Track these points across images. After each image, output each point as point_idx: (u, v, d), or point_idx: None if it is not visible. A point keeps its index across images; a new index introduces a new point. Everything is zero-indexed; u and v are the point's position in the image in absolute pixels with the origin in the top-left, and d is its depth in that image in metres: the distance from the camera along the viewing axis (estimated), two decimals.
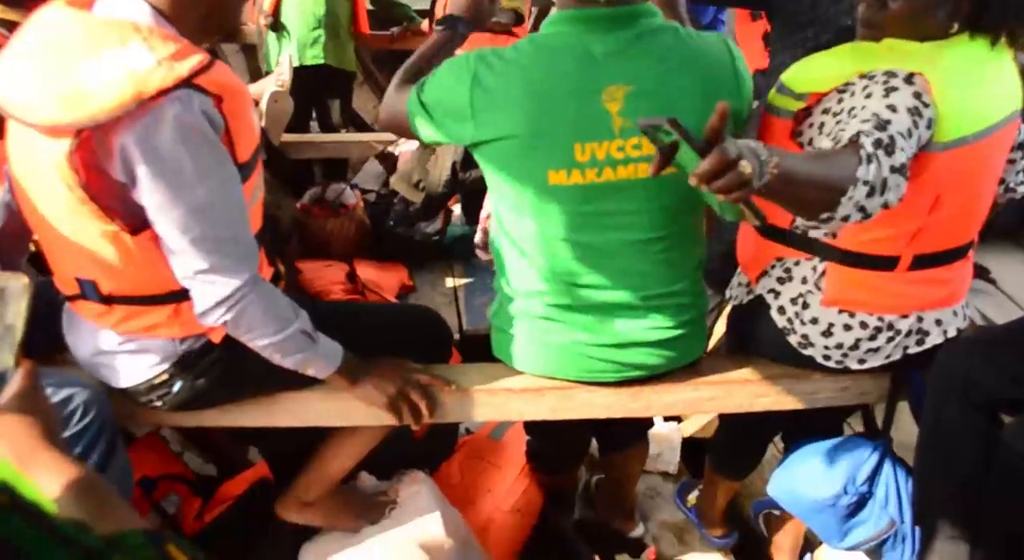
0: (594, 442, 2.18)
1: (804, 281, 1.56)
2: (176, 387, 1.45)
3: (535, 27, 3.23)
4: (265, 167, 1.51)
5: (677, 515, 2.30)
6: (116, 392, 1.47)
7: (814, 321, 1.56)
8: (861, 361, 1.58)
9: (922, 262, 1.50)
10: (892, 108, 1.28)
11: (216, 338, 1.43)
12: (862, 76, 1.39)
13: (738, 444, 2.01)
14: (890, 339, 1.55)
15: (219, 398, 1.54)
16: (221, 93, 1.26)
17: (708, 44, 1.43)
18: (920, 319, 1.55)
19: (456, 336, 2.74)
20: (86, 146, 1.22)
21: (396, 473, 1.88)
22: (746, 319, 1.70)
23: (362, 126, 4.33)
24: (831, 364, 1.60)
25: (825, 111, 1.45)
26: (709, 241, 1.67)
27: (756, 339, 1.69)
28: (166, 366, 1.43)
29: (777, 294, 1.61)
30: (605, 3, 1.37)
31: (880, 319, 1.53)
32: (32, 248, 1.55)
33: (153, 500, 1.91)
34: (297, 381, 1.49)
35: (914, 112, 1.29)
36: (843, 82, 1.42)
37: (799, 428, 1.80)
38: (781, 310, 1.60)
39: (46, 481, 0.75)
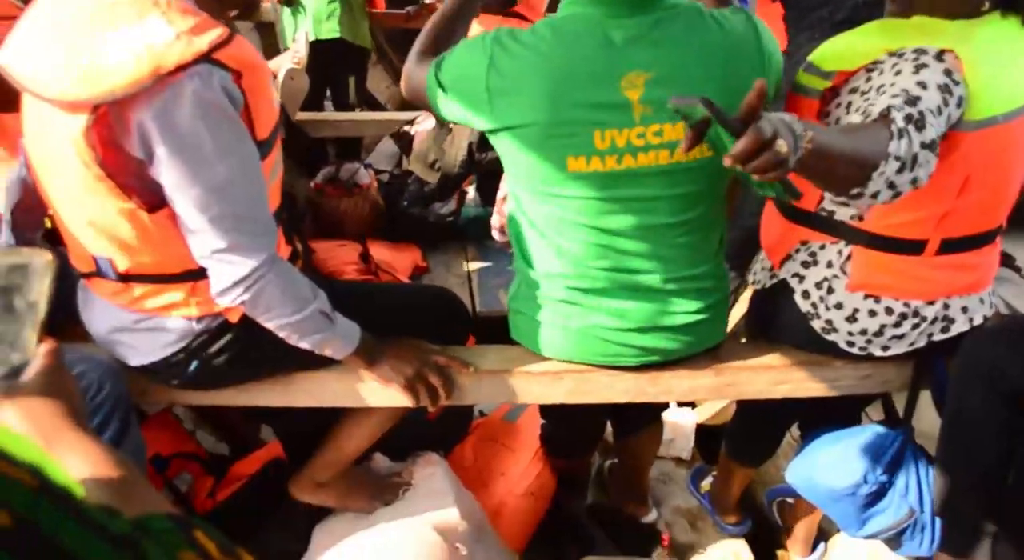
0: (608, 427, 2.17)
1: (829, 265, 1.54)
2: (192, 366, 1.44)
3: (551, 8, 3.20)
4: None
5: (690, 501, 2.29)
6: (130, 369, 1.47)
7: (839, 306, 1.54)
8: (885, 348, 1.56)
9: (950, 246, 1.47)
10: (922, 85, 1.26)
11: (233, 318, 1.41)
12: (891, 54, 1.37)
13: (755, 431, 1.99)
14: (915, 326, 1.52)
15: (235, 378, 1.53)
16: (241, 68, 1.23)
17: (732, 24, 1.40)
18: (946, 306, 1.52)
19: None
20: (103, 122, 1.20)
21: (410, 455, 1.87)
22: (768, 303, 1.68)
23: (376, 106, 4.31)
24: (854, 350, 1.57)
25: (853, 90, 1.43)
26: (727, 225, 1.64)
27: (778, 324, 1.67)
28: (182, 345, 1.42)
29: (801, 278, 1.58)
30: None
31: (906, 305, 1.51)
32: (48, 224, 1.54)
33: (166, 478, 1.92)
34: (314, 361, 1.48)
35: (944, 89, 1.27)
36: (871, 60, 1.40)
37: (817, 416, 1.78)
38: (805, 294, 1.58)
39: (72, 462, 0.73)
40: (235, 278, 1.28)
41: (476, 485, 1.94)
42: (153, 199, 1.27)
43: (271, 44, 4.10)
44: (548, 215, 1.47)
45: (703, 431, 2.45)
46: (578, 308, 1.53)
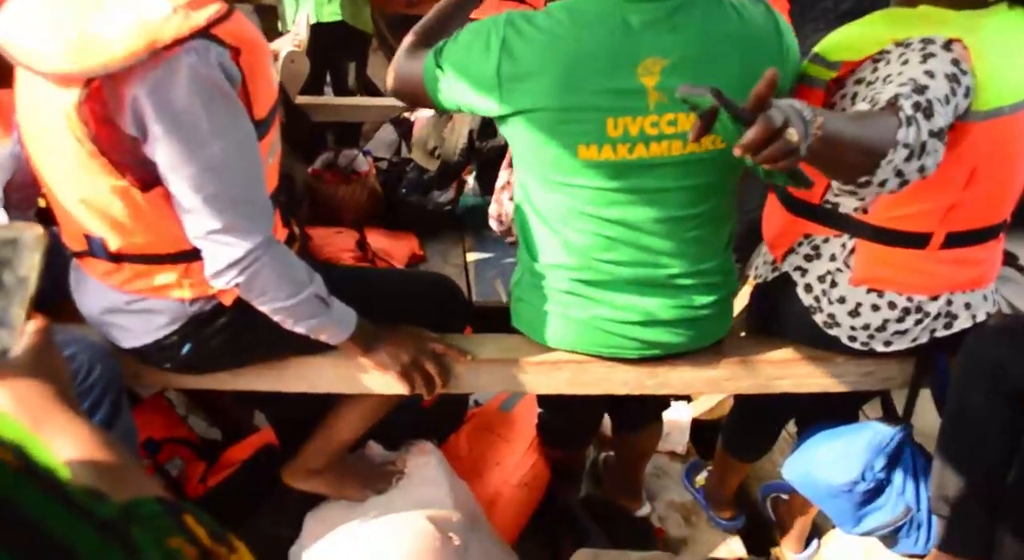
0: (605, 419, 2.15)
1: (833, 258, 1.52)
2: (185, 349, 1.42)
3: None
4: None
5: (685, 496, 2.28)
6: (123, 352, 1.44)
7: (841, 300, 1.52)
8: (887, 343, 1.54)
9: (955, 240, 1.46)
10: (930, 74, 1.25)
11: (227, 300, 1.39)
12: (897, 44, 1.35)
13: (752, 426, 1.99)
14: (918, 322, 1.51)
15: (229, 362, 1.51)
16: (239, 45, 1.21)
17: (753, 15, 1.38)
18: (949, 302, 1.51)
19: None
20: (96, 97, 1.18)
21: (404, 443, 1.85)
22: (770, 297, 1.67)
23: (376, 93, 4.27)
24: (856, 345, 1.56)
25: (859, 81, 1.42)
26: None
27: (780, 318, 1.65)
28: (175, 327, 1.40)
29: (804, 272, 1.57)
30: None
31: (909, 300, 1.50)
32: (42, 203, 1.51)
33: (157, 462, 1.90)
34: (309, 346, 1.46)
35: (952, 79, 1.26)
36: (878, 50, 1.38)
37: (815, 412, 1.77)
38: (808, 288, 1.56)
39: (60, 444, 0.71)
40: (230, 260, 1.26)
41: (470, 475, 1.93)
42: (147, 177, 1.25)
43: (272, 27, 4.07)
44: (556, 204, 1.45)
45: (698, 425, 2.44)
46: (581, 299, 1.51)
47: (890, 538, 1.64)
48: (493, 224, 2.25)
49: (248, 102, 1.25)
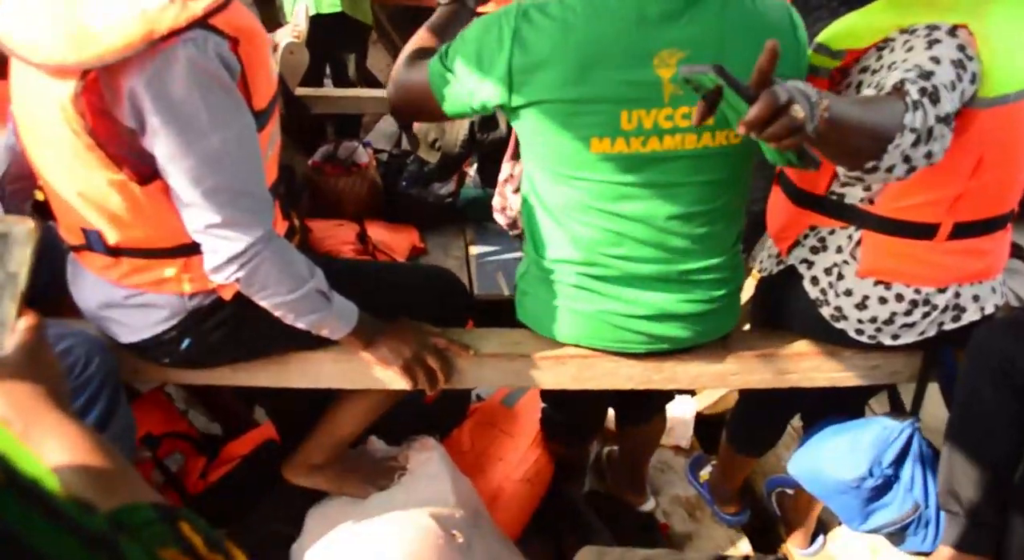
0: (610, 414, 2.14)
1: (839, 250, 1.51)
2: (184, 344, 1.41)
3: None
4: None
5: (689, 490, 2.26)
6: (121, 347, 1.43)
7: (848, 292, 1.50)
8: (895, 336, 1.53)
9: (962, 231, 1.45)
10: (935, 60, 1.24)
11: (227, 295, 1.37)
12: (902, 31, 1.34)
13: (758, 420, 1.97)
14: (926, 314, 1.49)
15: (229, 356, 1.50)
16: (238, 35, 1.19)
17: (769, 10, 1.36)
18: (957, 294, 1.50)
19: None
20: (93, 89, 1.16)
21: (406, 439, 1.83)
22: (776, 290, 1.65)
23: (376, 85, 4.24)
24: (864, 338, 1.54)
25: (863, 69, 1.40)
26: None
27: (786, 311, 1.63)
28: (174, 322, 1.38)
29: (810, 264, 1.55)
30: None
31: (917, 292, 1.48)
32: (39, 195, 1.49)
33: (157, 457, 1.88)
34: (310, 341, 1.44)
35: (958, 65, 1.25)
36: (882, 38, 1.37)
37: (822, 407, 1.75)
38: (814, 281, 1.54)
39: (50, 446, 0.69)
40: (230, 254, 1.24)
41: (473, 470, 1.91)
42: (145, 170, 1.23)
43: (271, 18, 4.04)
44: (564, 198, 1.43)
45: (702, 420, 2.42)
46: (589, 293, 1.49)
47: (897, 536, 1.62)
48: (498, 217, 2.23)
49: (247, 93, 1.23)
